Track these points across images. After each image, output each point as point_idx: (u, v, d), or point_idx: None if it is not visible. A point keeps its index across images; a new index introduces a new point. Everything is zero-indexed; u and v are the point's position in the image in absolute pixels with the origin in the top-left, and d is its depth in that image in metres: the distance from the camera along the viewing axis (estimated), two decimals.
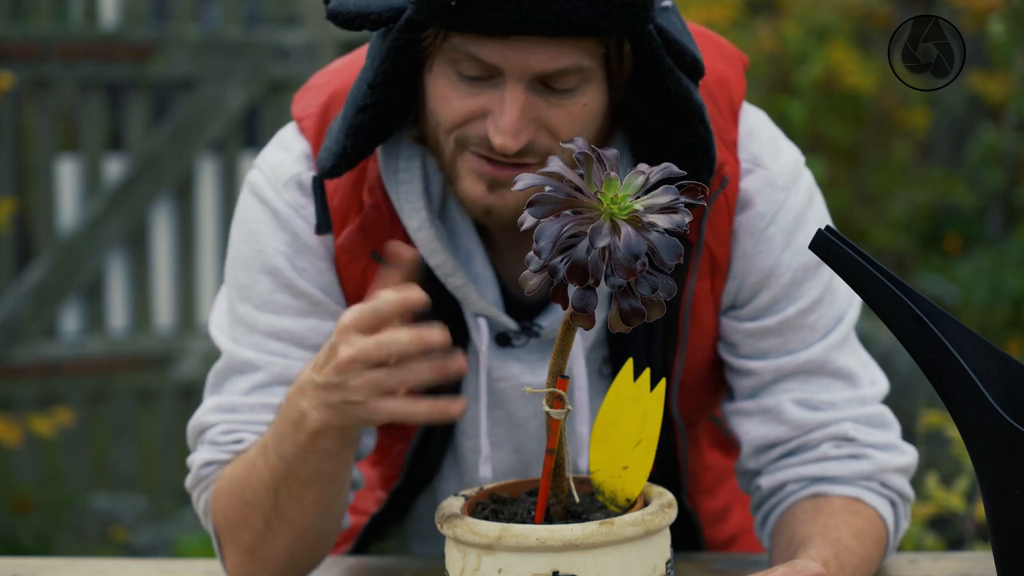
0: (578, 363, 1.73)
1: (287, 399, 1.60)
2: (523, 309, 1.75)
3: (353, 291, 1.75)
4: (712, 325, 1.77)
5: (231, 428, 1.72)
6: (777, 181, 1.73)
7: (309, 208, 1.73)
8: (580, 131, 1.61)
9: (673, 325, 1.73)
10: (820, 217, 1.76)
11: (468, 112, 1.60)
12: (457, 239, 1.73)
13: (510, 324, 1.74)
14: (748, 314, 1.76)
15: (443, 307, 1.73)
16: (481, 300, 1.71)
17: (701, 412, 1.87)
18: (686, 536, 1.91)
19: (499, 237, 1.73)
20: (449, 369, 1.52)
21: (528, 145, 1.59)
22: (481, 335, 1.73)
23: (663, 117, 1.63)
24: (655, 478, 1.80)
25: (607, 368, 1.76)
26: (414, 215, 1.69)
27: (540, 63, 1.56)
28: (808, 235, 1.72)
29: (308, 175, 1.74)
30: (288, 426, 1.60)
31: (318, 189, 1.69)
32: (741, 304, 1.76)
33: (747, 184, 1.73)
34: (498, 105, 1.58)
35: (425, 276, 1.72)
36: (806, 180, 1.77)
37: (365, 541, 1.93)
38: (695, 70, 1.62)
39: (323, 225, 1.70)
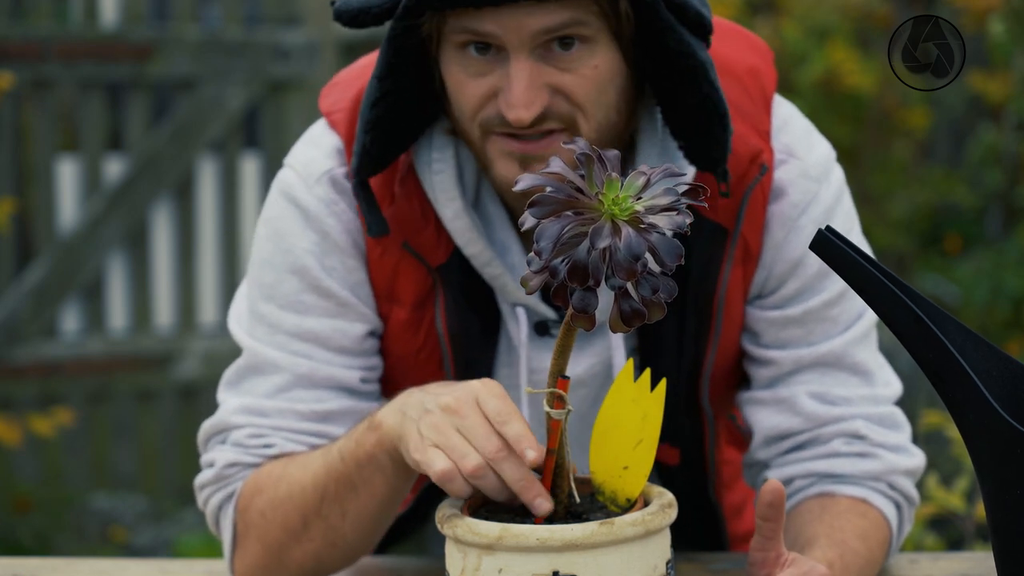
0: (618, 355, 1.72)
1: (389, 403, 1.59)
2: None
3: (384, 287, 1.74)
4: (740, 315, 1.77)
5: (259, 432, 1.72)
6: (811, 172, 1.74)
7: (341, 204, 1.72)
8: (597, 95, 1.60)
9: (707, 315, 1.73)
10: (848, 212, 1.77)
11: (483, 94, 1.60)
12: (492, 230, 1.72)
13: (549, 313, 1.73)
14: (773, 303, 1.76)
15: (478, 298, 1.73)
16: (519, 290, 1.71)
17: (727, 404, 1.88)
18: (710, 529, 1.92)
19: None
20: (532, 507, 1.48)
21: (545, 112, 1.58)
22: (520, 325, 1.72)
23: (671, 77, 1.62)
24: (683, 470, 1.81)
25: (637, 359, 1.76)
26: (449, 204, 1.68)
27: (536, 23, 1.55)
28: (837, 228, 1.72)
29: (340, 171, 1.73)
30: (363, 425, 1.60)
31: (363, 191, 1.67)
32: (767, 293, 1.76)
33: (781, 174, 1.73)
34: (506, 80, 1.58)
35: (459, 267, 1.71)
36: (837, 174, 1.77)
37: (385, 543, 1.93)
38: (700, 26, 1.61)
39: (375, 226, 1.67)
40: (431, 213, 1.71)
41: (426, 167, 1.69)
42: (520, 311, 1.72)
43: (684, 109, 1.63)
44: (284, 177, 1.76)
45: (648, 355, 1.74)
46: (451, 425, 1.49)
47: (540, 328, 1.75)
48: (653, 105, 1.69)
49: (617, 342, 1.72)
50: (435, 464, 1.48)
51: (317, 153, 1.75)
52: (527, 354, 1.74)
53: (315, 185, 1.73)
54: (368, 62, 1.79)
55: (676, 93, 1.63)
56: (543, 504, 1.46)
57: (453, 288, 1.72)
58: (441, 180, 1.68)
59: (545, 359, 1.74)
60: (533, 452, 1.46)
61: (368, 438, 1.58)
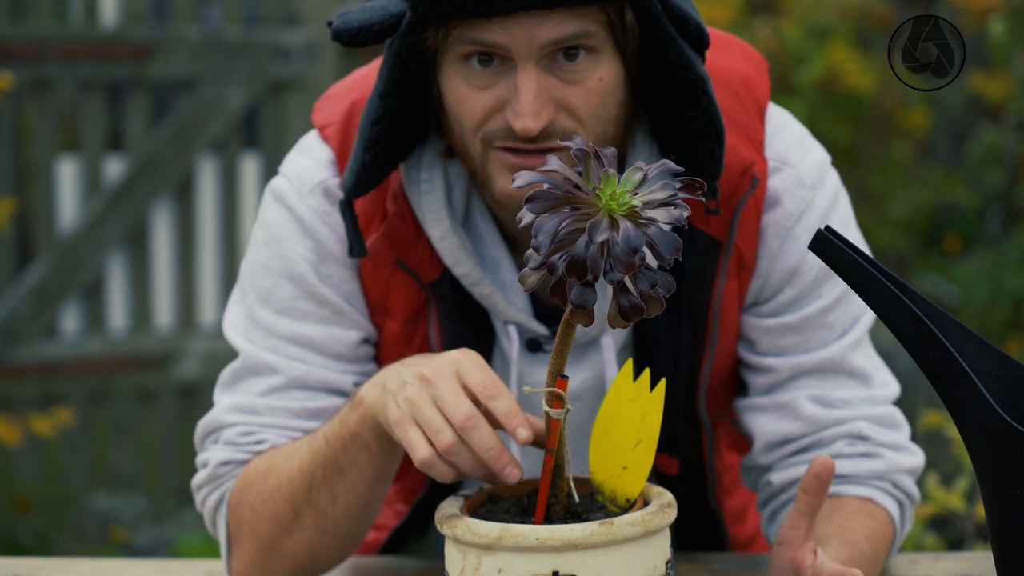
0: (611, 369, 1.72)
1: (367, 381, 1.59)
2: (553, 314, 1.74)
3: (377, 300, 1.74)
4: (736, 324, 1.77)
5: (250, 430, 1.72)
6: (805, 180, 1.73)
7: (334, 215, 1.72)
8: (599, 108, 1.59)
9: (702, 327, 1.73)
10: (844, 216, 1.76)
11: (487, 107, 1.59)
12: (483, 248, 1.72)
13: (540, 330, 1.73)
14: (769, 311, 1.76)
15: (471, 314, 1.72)
16: (510, 308, 1.71)
17: (724, 412, 1.87)
18: (711, 535, 1.91)
19: (526, 243, 1.72)
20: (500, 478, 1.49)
21: (550, 127, 1.57)
22: (511, 342, 1.72)
23: (669, 90, 1.62)
24: (683, 479, 1.80)
25: (633, 370, 1.76)
26: (437, 225, 1.68)
27: (546, 34, 1.55)
28: None
29: (333, 181, 1.73)
30: (347, 405, 1.60)
31: (347, 212, 1.67)
32: (763, 301, 1.76)
33: (775, 183, 1.72)
34: (513, 91, 1.57)
35: (451, 284, 1.71)
36: (832, 179, 1.77)
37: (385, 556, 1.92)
38: (699, 38, 1.61)
39: (356, 248, 1.67)
40: (423, 230, 1.70)
41: (415, 187, 1.69)
42: (511, 328, 1.72)
43: (680, 123, 1.62)
44: (278, 185, 1.76)
45: (644, 366, 1.73)
46: (427, 396, 1.49)
47: (532, 345, 1.74)
48: (643, 122, 1.69)
49: (610, 356, 1.72)
50: (417, 451, 1.48)
51: (311, 163, 1.75)
52: (519, 371, 1.74)
53: (308, 196, 1.73)
54: (361, 75, 1.79)
55: (673, 107, 1.62)
56: (513, 472, 1.46)
57: (446, 304, 1.72)
58: (429, 201, 1.68)
59: (537, 375, 1.74)
60: (525, 431, 1.46)
61: (351, 416, 1.59)
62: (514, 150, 1.60)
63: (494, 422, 1.50)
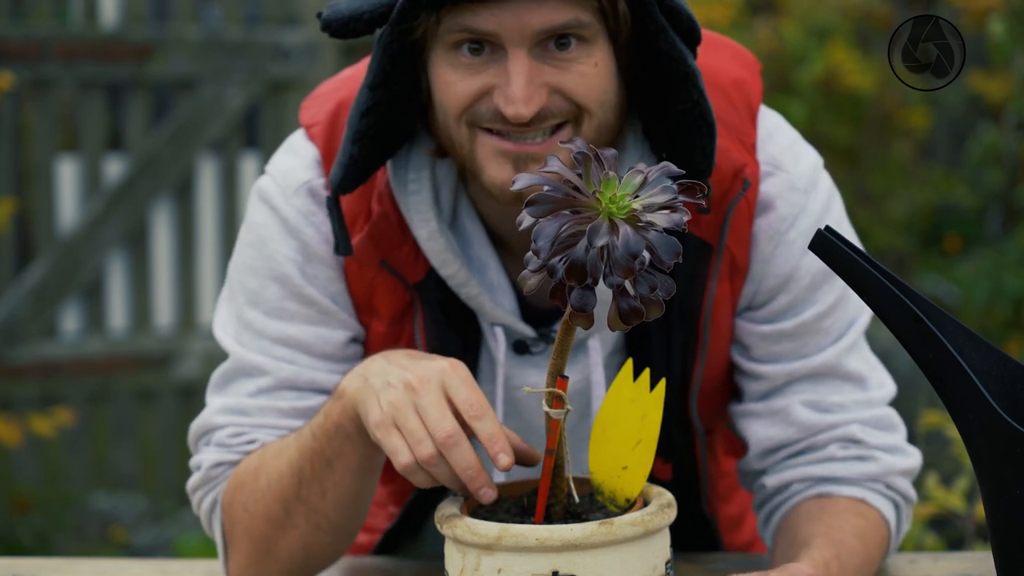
0: (596, 372, 1.72)
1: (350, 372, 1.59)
2: (540, 315, 1.74)
3: (363, 300, 1.74)
4: (729, 328, 1.76)
5: (241, 430, 1.72)
6: (798, 184, 1.72)
7: (319, 215, 1.72)
8: (598, 92, 1.58)
9: (693, 330, 1.72)
10: (838, 219, 1.76)
11: (474, 92, 1.58)
12: (470, 248, 1.71)
13: (527, 332, 1.72)
14: (764, 316, 1.75)
15: (457, 315, 1.72)
16: (497, 309, 1.70)
17: (718, 417, 1.87)
18: (706, 542, 1.91)
19: (515, 243, 1.72)
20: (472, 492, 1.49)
21: (543, 111, 1.56)
22: (498, 344, 1.71)
23: (660, 83, 1.61)
24: (676, 485, 1.80)
25: None
26: (424, 225, 1.67)
27: (538, 21, 1.54)
28: None
29: (319, 182, 1.72)
30: (331, 397, 1.60)
31: (334, 209, 1.66)
32: (757, 306, 1.75)
33: (767, 187, 1.72)
34: (504, 77, 1.56)
35: (437, 285, 1.71)
36: (825, 182, 1.76)
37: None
38: (691, 32, 1.60)
39: (342, 246, 1.66)
40: (409, 231, 1.70)
41: (402, 187, 1.68)
42: (498, 330, 1.71)
43: (671, 117, 1.62)
44: (264, 185, 1.75)
45: (637, 372, 1.73)
46: (410, 403, 1.49)
47: (519, 347, 1.74)
48: (635, 117, 1.68)
49: (596, 359, 1.71)
50: (400, 456, 1.48)
51: (297, 163, 1.74)
52: (507, 372, 1.73)
53: (293, 196, 1.72)
54: (349, 74, 1.78)
55: (663, 101, 1.61)
56: (488, 493, 1.46)
57: (431, 305, 1.71)
58: (416, 201, 1.67)
59: (524, 377, 1.74)
60: (507, 457, 1.46)
61: (334, 408, 1.59)
62: (502, 134, 1.59)
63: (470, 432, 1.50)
